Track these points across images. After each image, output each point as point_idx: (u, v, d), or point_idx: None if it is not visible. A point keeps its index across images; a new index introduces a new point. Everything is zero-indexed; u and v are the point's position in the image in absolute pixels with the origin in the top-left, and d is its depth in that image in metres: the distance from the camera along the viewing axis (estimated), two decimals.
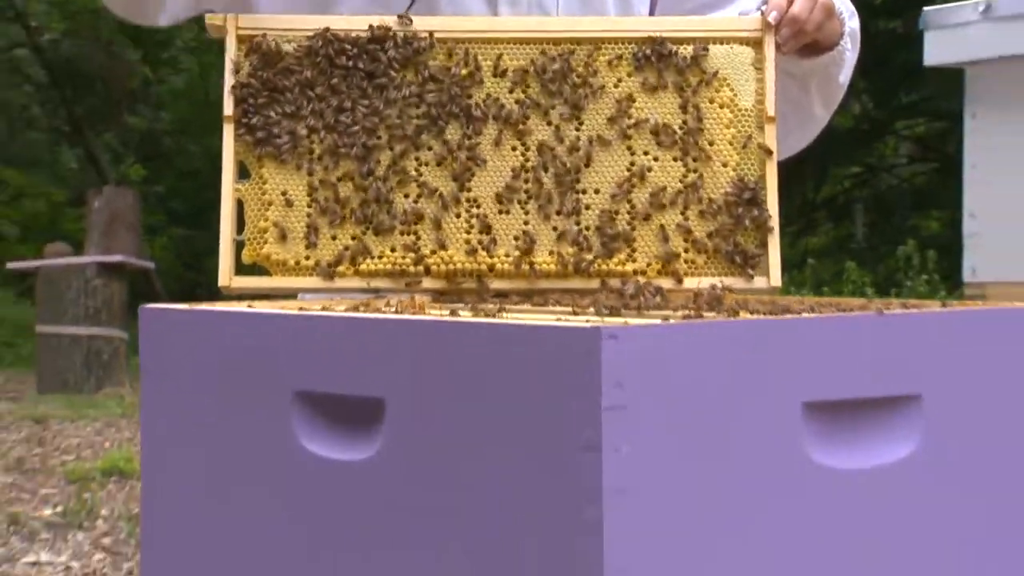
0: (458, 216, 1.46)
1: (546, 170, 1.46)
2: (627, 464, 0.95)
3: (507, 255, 1.45)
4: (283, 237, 1.45)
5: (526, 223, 1.46)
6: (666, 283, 1.43)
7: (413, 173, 1.46)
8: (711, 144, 1.47)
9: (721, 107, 1.48)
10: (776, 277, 1.46)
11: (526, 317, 1.16)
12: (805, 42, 1.54)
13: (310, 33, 1.47)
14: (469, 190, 1.46)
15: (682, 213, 1.47)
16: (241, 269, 1.45)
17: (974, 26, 2.49)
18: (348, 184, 1.45)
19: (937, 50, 2.59)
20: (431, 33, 1.47)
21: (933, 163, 12.07)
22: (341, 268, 1.44)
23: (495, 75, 1.48)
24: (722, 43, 1.50)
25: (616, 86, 1.48)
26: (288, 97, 1.46)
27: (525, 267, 1.45)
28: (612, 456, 0.94)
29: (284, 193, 1.45)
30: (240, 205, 1.45)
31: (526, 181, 1.46)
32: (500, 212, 1.46)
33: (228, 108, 1.46)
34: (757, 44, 1.50)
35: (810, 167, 10.61)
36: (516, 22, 1.54)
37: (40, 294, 9.00)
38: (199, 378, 1.19)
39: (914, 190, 12.21)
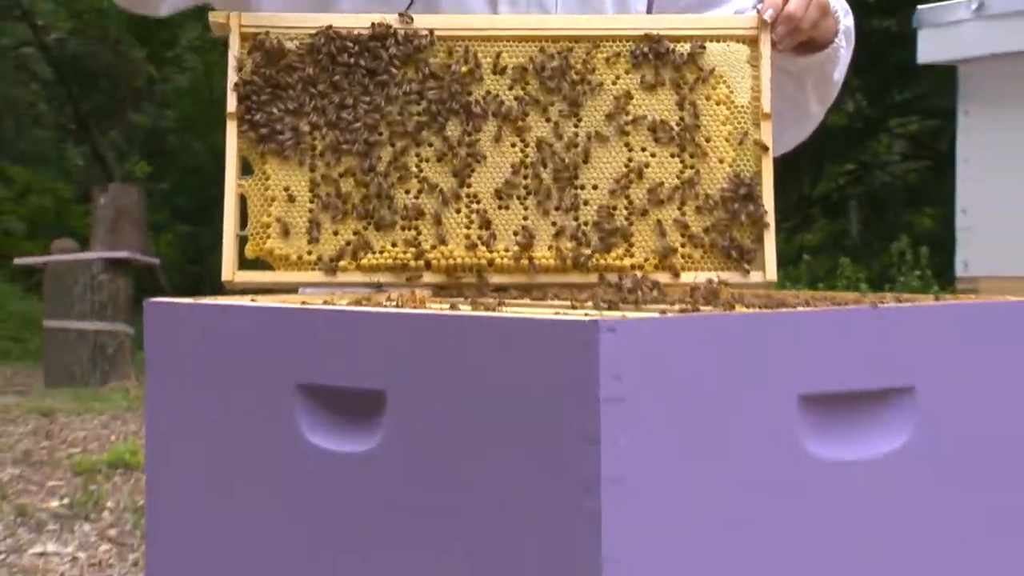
0: (458, 211, 1.45)
1: (545, 166, 1.46)
2: (625, 455, 0.94)
3: (506, 250, 1.45)
4: (286, 232, 1.44)
5: (525, 218, 1.46)
6: (663, 277, 1.43)
7: (414, 169, 1.45)
8: (708, 140, 1.47)
9: (717, 104, 1.48)
10: (772, 272, 1.46)
11: (525, 311, 1.16)
12: (800, 40, 1.54)
13: (312, 31, 1.47)
14: (469, 186, 1.46)
15: (679, 208, 1.46)
16: (244, 264, 1.45)
17: (967, 24, 2.49)
18: (350, 180, 1.45)
19: (930, 48, 2.58)
20: (431, 31, 1.47)
21: (926, 160, 12.07)
22: (343, 263, 1.44)
23: (495, 72, 1.47)
24: (719, 41, 1.49)
25: (614, 83, 1.48)
26: (291, 94, 1.45)
27: (524, 262, 1.45)
28: (610, 447, 0.94)
29: (287, 189, 1.45)
30: (243, 201, 1.45)
31: (525, 177, 1.46)
32: (500, 207, 1.46)
33: (231, 105, 1.46)
34: (753, 42, 1.49)
35: (805, 164, 10.61)
36: (516, 20, 1.54)
37: (47, 289, 9.00)
38: (203, 371, 1.19)
39: (907, 187, 12.22)
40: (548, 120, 1.47)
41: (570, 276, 1.45)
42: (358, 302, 1.28)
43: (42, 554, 4.43)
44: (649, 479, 0.96)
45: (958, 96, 2.55)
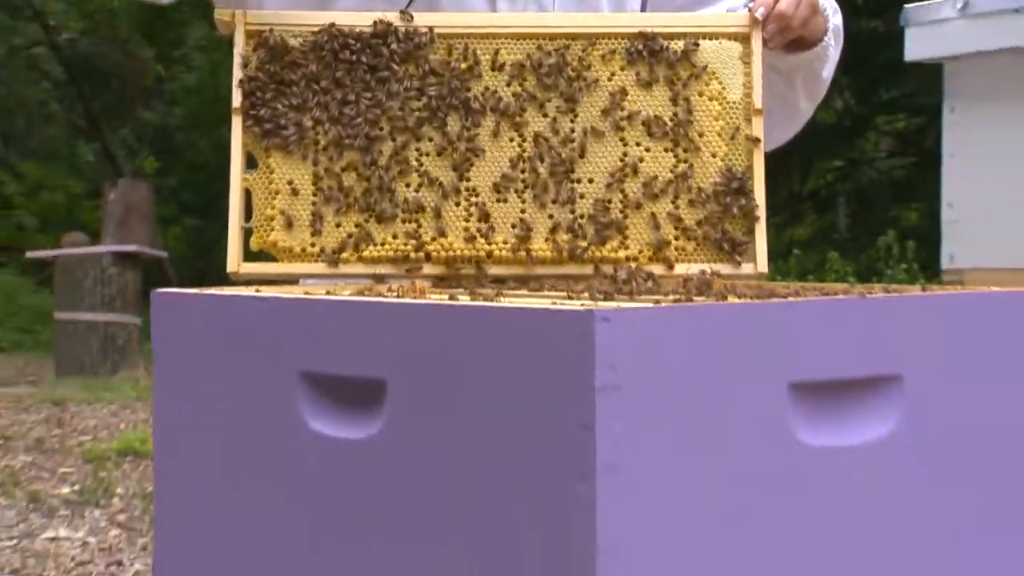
0: (457, 204, 1.45)
1: (542, 160, 1.46)
2: (620, 443, 0.94)
3: (505, 242, 1.45)
4: (289, 225, 1.44)
5: (523, 211, 1.45)
6: (657, 269, 1.42)
7: (414, 163, 1.45)
8: (701, 135, 1.47)
9: (710, 100, 1.48)
10: (763, 263, 1.46)
11: (522, 301, 1.15)
12: (791, 38, 1.53)
13: (316, 28, 1.46)
14: (468, 179, 1.45)
15: (673, 202, 1.46)
16: (249, 256, 1.45)
17: (952, 23, 2.49)
18: (352, 174, 1.45)
19: (917, 46, 2.58)
20: (431, 28, 1.47)
21: (912, 157, 12.07)
22: (345, 254, 1.44)
23: (493, 69, 1.47)
24: (711, 39, 1.49)
25: (609, 80, 1.47)
26: (294, 90, 1.45)
27: (522, 254, 1.44)
28: (605, 435, 0.93)
29: (290, 182, 1.44)
30: (248, 194, 1.45)
31: (523, 171, 1.46)
32: (498, 201, 1.45)
33: (236, 100, 1.45)
34: (745, 39, 1.49)
35: (795, 161, 10.61)
36: (514, 18, 1.53)
37: (58, 282, 9.00)
38: (208, 359, 1.19)
39: (894, 183, 12.21)
40: (545, 116, 1.46)
41: (566, 268, 1.44)
42: (360, 293, 1.27)
43: (54, 539, 4.43)
44: (643, 466, 0.95)
45: (944, 93, 2.55)
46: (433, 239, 1.44)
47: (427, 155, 1.45)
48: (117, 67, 14.66)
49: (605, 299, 1.16)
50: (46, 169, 14.67)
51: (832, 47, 1.63)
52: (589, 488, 0.93)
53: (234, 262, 1.43)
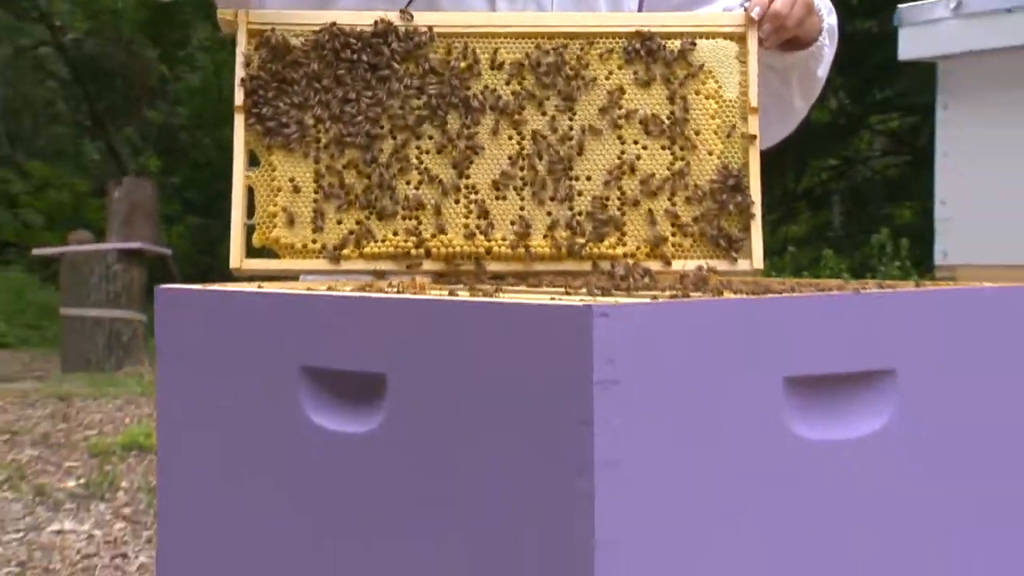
0: (457, 202, 1.45)
1: (541, 158, 1.45)
2: (618, 437, 0.94)
3: (504, 239, 1.44)
4: (291, 221, 1.44)
5: (522, 208, 1.45)
6: (654, 265, 1.42)
7: (414, 161, 1.45)
8: (697, 133, 1.46)
9: (707, 98, 1.47)
10: (758, 260, 1.45)
11: (521, 297, 1.15)
12: (786, 37, 1.53)
13: (317, 28, 1.46)
14: (468, 177, 1.45)
15: (670, 199, 1.46)
16: (251, 252, 1.45)
17: (946, 22, 2.48)
18: (353, 171, 1.44)
19: (911, 45, 2.58)
20: (431, 28, 1.46)
21: (905, 156, 12.06)
22: (346, 251, 1.43)
23: (492, 68, 1.46)
24: (708, 38, 1.49)
25: (607, 78, 1.47)
26: (296, 88, 1.45)
27: (521, 250, 1.44)
28: (604, 429, 0.93)
29: (292, 180, 1.44)
30: (250, 191, 1.45)
31: (522, 168, 1.45)
32: (497, 198, 1.45)
33: (239, 99, 1.45)
34: (741, 39, 1.49)
35: (790, 159, 10.60)
36: (513, 17, 1.53)
37: (64, 279, 8.99)
38: (211, 354, 1.19)
39: (887, 181, 12.20)
40: (544, 114, 1.46)
41: (565, 264, 1.44)
42: (361, 288, 1.27)
43: (59, 531, 4.43)
44: (641, 460, 0.95)
45: (937, 92, 2.54)
46: (433, 236, 1.44)
47: (427, 153, 1.45)
48: (122, 67, 14.65)
49: (603, 295, 1.16)
50: (52, 168, 14.66)
51: (827, 46, 1.63)
52: (588, 482, 0.93)
53: (237, 258, 1.43)
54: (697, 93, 1.47)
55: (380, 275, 1.43)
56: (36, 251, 10.01)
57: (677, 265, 1.44)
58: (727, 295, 1.13)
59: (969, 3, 2.44)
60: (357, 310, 1.09)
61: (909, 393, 1.08)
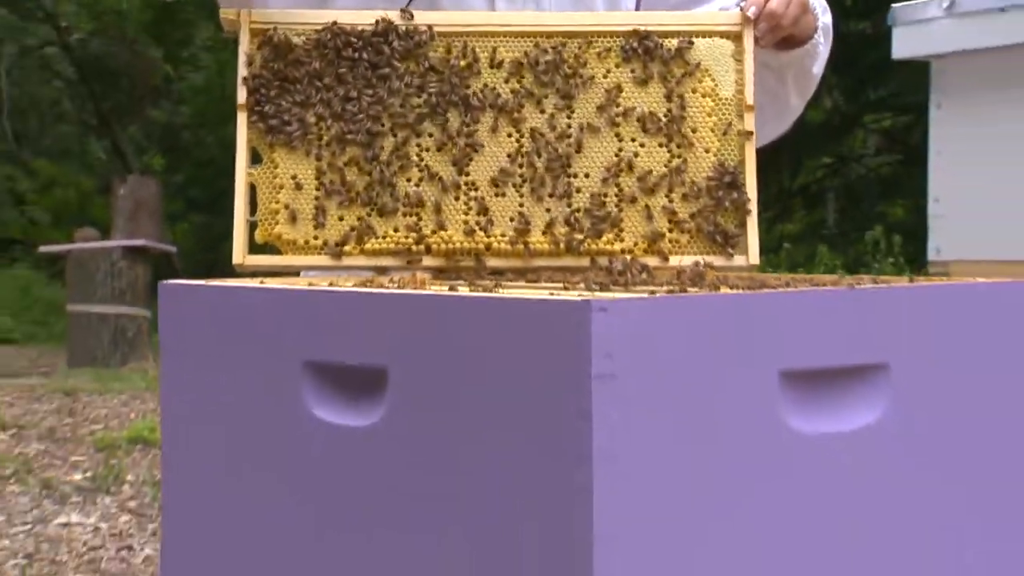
0: (457, 198, 1.44)
1: (539, 155, 1.45)
2: (616, 430, 0.94)
3: (503, 235, 1.44)
4: (293, 218, 1.43)
5: (521, 205, 1.45)
6: (652, 261, 1.42)
7: (415, 158, 1.44)
8: (694, 131, 1.46)
9: (703, 96, 1.47)
10: (754, 255, 1.45)
11: (521, 292, 1.15)
12: (782, 36, 1.53)
13: (319, 27, 1.46)
14: (467, 174, 1.45)
15: (667, 196, 1.46)
16: (254, 248, 1.44)
17: (939, 22, 2.48)
18: (354, 168, 1.44)
19: (904, 45, 2.57)
20: (430, 27, 1.46)
21: (898, 154, 12.05)
22: (347, 247, 1.43)
23: (492, 66, 1.46)
24: (704, 36, 1.48)
25: (605, 77, 1.47)
26: (298, 87, 1.44)
27: (520, 246, 1.44)
28: (602, 422, 0.93)
29: (294, 177, 1.44)
30: (253, 188, 1.44)
31: (521, 166, 1.45)
32: (496, 195, 1.45)
33: (242, 97, 1.45)
34: (737, 37, 1.48)
35: (785, 158, 10.60)
36: (512, 17, 1.52)
37: (70, 276, 8.99)
38: (214, 348, 1.18)
39: (881, 179, 12.20)
40: (542, 112, 1.46)
41: (563, 260, 1.44)
42: (362, 284, 1.27)
43: (66, 524, 4.43)
44: (639, 453, 0.95)
45: (931, 90, 2.54)
46: (433, 232, 1.43)
47: (427, 150, 1.45)
48: (126, 67, 14.64)
49: (601, 290, 1.16)
50: (58, 166, 14.66)
51: (822, 45, 1.62)
52: (586, 475, 0.92)
53: (239, 254, 1.43)
54: (694, 91, 1.47)
55: (382, 271, 1.43)
56: (42, 248, 10.00)
57: (674, 261, 1.43)
58: (723, 290, 1.13)
59: (962, 2, 2.44)
60: (359, 305, 1.09)
61: (903, 387, 1.08)
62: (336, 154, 1.44)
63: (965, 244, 2.48)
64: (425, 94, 1.45)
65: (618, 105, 1.46)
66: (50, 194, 14.50)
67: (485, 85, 1.46)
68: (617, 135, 1.46)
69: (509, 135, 1.45)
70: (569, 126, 1.46)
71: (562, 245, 1.44)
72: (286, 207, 1.43)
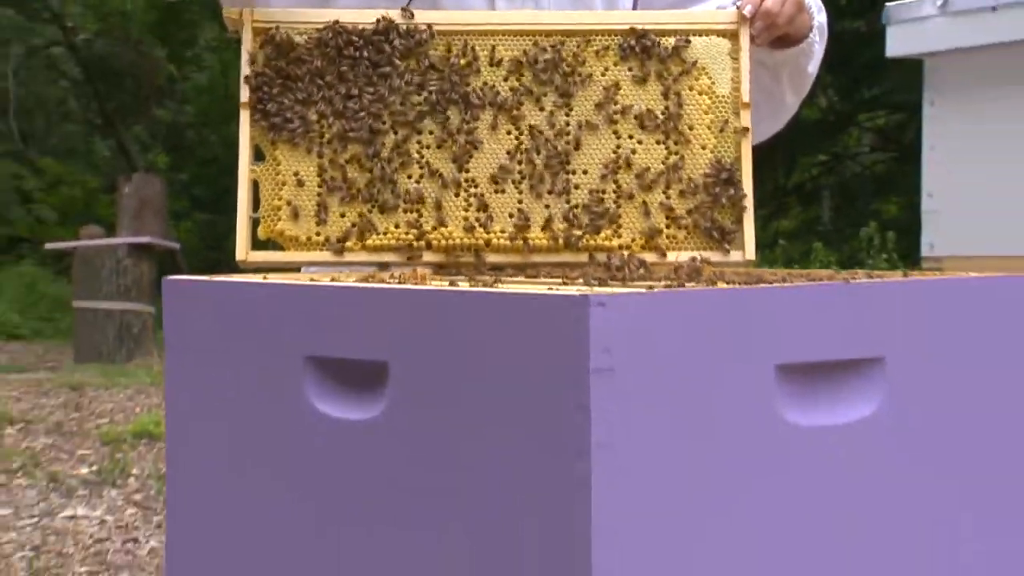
0: (457, 195, 1.44)
1: (538, 153, 1.45)
2: (614, 422, 0.93)
3: (502, 231, 1.44)
4: (295, 215, 1.43)
5: (520, 201, 1.44)
6: (649, 257, 1.42)
7: (415, 155, 1.44)
8: (691, 128, 1.46)
9: (700, 94, 1.47)
10: (750, 251, 1.45)
11: (520, 287, 1.14)
12: (777, 34, 1.53)
13: (320, 26, 1.45)
14: (467, 171, 1.44)
15: (664, 192, 1.45)
16: (257, 244, 1.44)
17: (932, 20, 2.48)
18: (355, 165, 1.44)
19: (898, 43, 2.57)
20: (430, 26, 1.46)
21: (892, 152, 12.05)
22: (349, 243, 1.43)
23: (491, 65, 1.46)
24: (701, 35, 1.48)
25: (603, 75, 1.47)
26: (300, 85, 1.44)
27: (519, 242, 1.43)
28: (600, 415, 0.93)
29: (296, 174, 1.43)
30: (256, 185, 1.44)
31: (520, 163, 1.45)
32: (496, 191, 1.44)
33: (244, 95, 1.44)
34: (733, 36, 1.48)
35: (780, 156, 10.60)
36: (511, 16, 1.52)
37: (76, 272, 8.98)
38: (217, 343, 1.18)
39: (875, 177, 12.20)
40: (541, 109, 1.46)
41: (562, 256, 1.44)
42: (363, 279, 1.27)
43: (72, 517, 4.43)
44: (637, 445, 0.95)
45: (924, 88, 2.54)
46: (434, 228, 1.43)
47: (428, 147, 1.44)
48: (131, 67, 14.63)
49: (599, 285, 1.15)
50: (64, 165, 14.64)
51: (817, 43, 1.62)
52: (585, 465, 0.92)
53: (242, 250, 1.42)
54: (691, 89, 1.47)
55: (383, 267, 1.43)
56: (49, 245, 10.00)
57: (671, 256, 1.43)
58: (720, 285, 1.12)
59: (955, 1, 2.44)
60: (360, 300, 1.09)
61: (897, 380, 1.07)
62: (338, 151, 1.43)
63: (958, 239, 2.48)
64: (425, 92, 1.44)
65: (616, 103, 1.46)
66: (56, 192, 14.49)
67: (485, 83, 1.45)
68: (615, 132, 1.46)
69: (508, 132, 1.45)
70: (568, 123, 1.45)
71: (561, 241, 1.43)
72: (288, 204, 1.43)
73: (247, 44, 1.45)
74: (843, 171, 12.68)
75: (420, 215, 1.43)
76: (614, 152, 1.45)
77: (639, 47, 1.46)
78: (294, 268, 1.45)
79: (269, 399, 1.14)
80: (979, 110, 2.46)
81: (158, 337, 8.41)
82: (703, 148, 1.46)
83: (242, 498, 1.17)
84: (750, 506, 1.00)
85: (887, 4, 2.61)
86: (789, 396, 1.02)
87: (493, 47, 1.46)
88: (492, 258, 1.43)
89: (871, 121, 12.32)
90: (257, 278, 1.23)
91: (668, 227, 1.45)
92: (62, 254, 10.24)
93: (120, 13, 13.99)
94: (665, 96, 1.46)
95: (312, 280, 1.20)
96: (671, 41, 1.47)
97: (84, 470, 5.10)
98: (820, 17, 1.62)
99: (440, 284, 1.19)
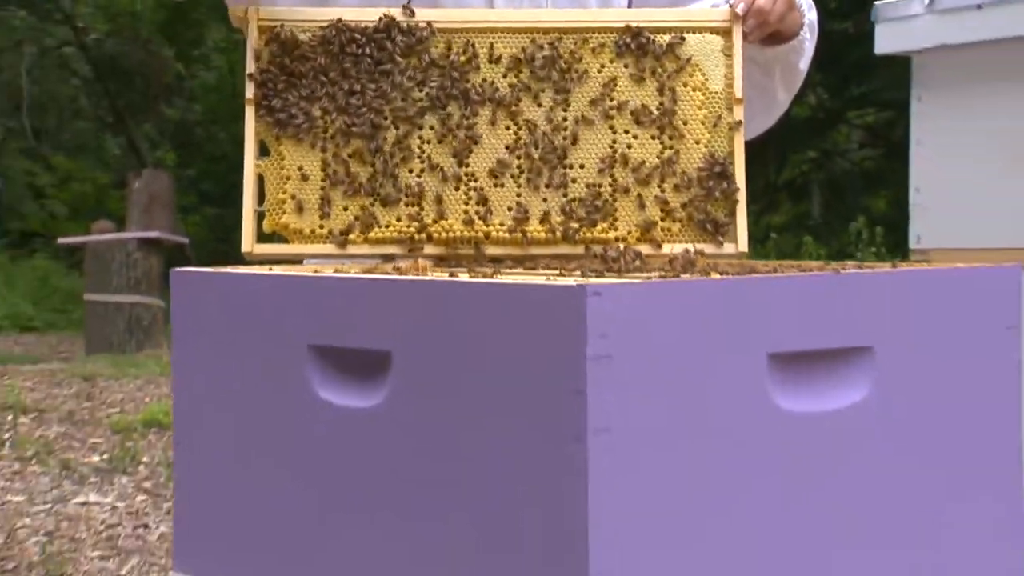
0: (457, 189, 1.44)
1: (536, 147, 1.44)
2: (610, 408, 0.93)
3: (502, 224, 1.43)
4: (300, 208, 1.43)
5: (519, 195, 1.44)
6: (645, 249, 1.41)
7: (416, 150, 1.44)
8: (685, 123, 1.46)
9: (694, 90, 1.46)
10: (743, 243, 1.45)
11: (519, 278, 1.14)
12: (769, 32, 1.52)
13: (324, 23, 1.45)
14: (467, 165, 1.44)
15: (659, 186, 1.45)
16: (262, 237, 1.44)
17: (920, 18, 2.47)
18: (358, 160, 1.43)
19: (886, 41, 2.57)
20: (431, 23, 1.45)
21: (881, 149, 12.05)
22: (352, 236, 1.43)
23: (490, 62, 1.45)
24: (695, 33, 1.48)
25: (599, 71, 1.46)
26: (304, 82, 1.44)
27: (518, 235, 1.43)
28: (597, 400, 0.93)
29: (300, 168, 1.43)
30: (261, 179, 1.44)
31: (518, 157, 1.44)
32: (495, 185, 1.44)
33: (250, 92, 1.44)
34: (726, 33, 1.48)
35: (771, 152, 10.59)
36: (510, 14, 1.52)
37: (88, 266, 8.98)
38: (224, 333, 1.18)
39: (864, 173, 12.19)
40: (539, 105, 1.45)
41: (560, 248, 1.43)
42: (366, 271, 1.26)
43: (85, 503, 4.43)
44: (632, 429, 0.95)
45: (912, 84, 2.54)
46: (434, 221, 1.43)
47: (428, 142, 1.44)
48: (140, 66, 14.61)
49: (596, 276, 1.15)
50: (76, 161, 14.63)
51: (807, 40, 1.62)
52: (581, 450, 0.92)
53: (248, 243, 1.42)
54: (685, 85, 1.46)
55: (389, 259, 1.42)
56: (61, 240, 10.00)
57: (666, 248, 1.43)
58: (714, 276, 1.12)
59: (942, 0, 2.43)
60: (363, 291, 1.09)
61: (886, 368, 1.07)
62: (341, 146, 1.43)
63: (945, 232, 2.48)
64: (426, 88, 1.44)
65: (612, 99, 1.45)
66: (68, 188, 14.47)
67: (484, 79, 1.45)
68: (611, 127, 1.45)
69: (507, 128, 1.45)
70: (565, 119, 1.45)
71: (558, 233, 1.43)
72: (293, 197, 1.43)
73: (252, 41, 1.45)
74: (833, 167, 12.67)
75: (421, 208, 1.43)
76: (610, 147, 1.45)
77: (634, 44, 1.46)
78: (298, 260, 1.44)
79: (274, 387, 1.14)
80: (965, 106, 2.46)
81: (167, 329, 8.40)
82: (697, 143, 1.46)
83: (247, 483, 1.16)
84: (743, 489, 1.00)
85: (876, 3, 2.60)
86: (781, 383, 1.02)
87: (492, 44, 1.45)
88: (491, 250, 1.43)
89: (860, 118, 12.31)
90: (262, 269, 1.23)
91: (663, 220, 1.45)
92: (74, 248, 10.23)
93: (130, 14, 13.97)
94: (660, 92, 1.46)
95: (316, 271, 1.20)
96: (666, 38, 1.47)
97: (96, 458, 5.10)
98: (811, 15, 1.62)
99: (441, 275, 1.19)
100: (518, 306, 0.97)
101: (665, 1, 1.64)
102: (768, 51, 1.59)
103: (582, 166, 1.45)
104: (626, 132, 1.45)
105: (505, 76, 1.45)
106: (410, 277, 1.11)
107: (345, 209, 1.43)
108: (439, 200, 1.43)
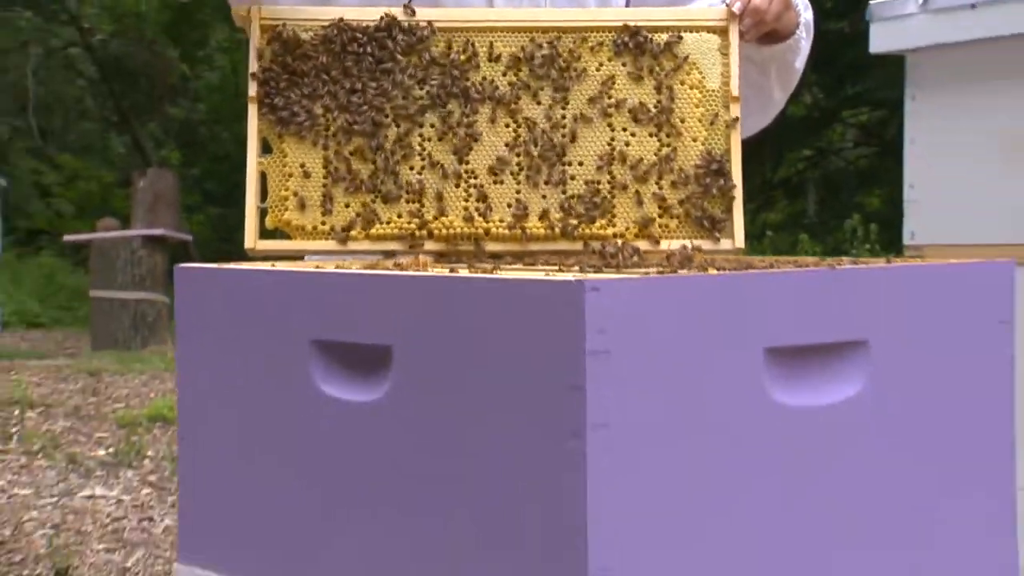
0: (457, 186, 1.43)
1: (535, 145, 1.44)
2: (608, 402, 0.93)
3: (501, 220, 1.43)
4: (302, 205, 1.42)
5: (518, 192, 1.44)
6: (643, 245, 1.41)
7: (417, 147, 1.43)
8: (682, 121, 1.45)
9: (691, 88, 1.46)
10: (740, 239, 1.44)
11: (518, 274, 1.14)
12: (765, 31, 1.52)
13: (325, 23, 1.44)
14: (467, 163, 1.44)
15: (657, 183, 1.45)
16: (265, 234, 1.43)
17: (914, 18, 2.47)
18: (359, 157, 1.43)
19: (881, 40, 2.56)
20: (431, 23, 1.45)
21: (875, 147, 12.04)
22: (353, 232, 1.42)
23: (490, 60, 1.45)
24: (692, 31, 1.47)
25: (598, 70, 1.46)
26: (306, 80, 1.43)
27: (517, 231, 1.43)
28: (595, 395, 0.92)
29: (302, 166, 1.43)
30: (263, 177, 1.43)
31: (518, 155, 1.44)
32: (495, 182, 1.44)
33: (252, 90, 1.43)
34: (723, 32, 1.47)
35: (767, 151, 10.59)
36: (509, 13, 1.51)
37: (93, 263, 8.98)
38: (227, 328, 1.18)
39: (858, 171, 12.20)
40: (538, 103, 1.45)
41: (559, 244, 1.43)
42: (367, 267, 1.26)
43: (91, 497, 4.43)
44: (631, 424, 0.94)
45: (906, 83, 2.53)
46: (435, 218, 1.43)
47: (429, 140, 1.44)
48: (145, 66, 14.61)
49: (595, 272, 1.15)
50: (81, 160, 14.63)
51: (803, 40, 1.61)
52: (580, 445, 0.92)
53: (251, 239, 1.42)
54: (682, 83, 1.46)
55: (390, 255, 1.42)
56: (67, 238, 10.00)
57: (664, 244, 1.43)
58: (711, 271, 1.12)
59: None
60: (364, 286, 1.08)
61: (881, 362, 1.07)
62: (342, 144, 1.43)
63: (938, 229, 2.48)
64: (427, 86, 1.44)
65: (610, 97, 1.45)
66: (74, 187, 14.47)
67: (484, 78, 1.44)
68: (609, 125, 1.45)
69: (507, 125, 1.44)
70: (564, 117, 1.45)
71: (557, 230, 1.43)
72: (295, 194, 1.42)
73: (255, 41, 1.44)
74: (827, 165, 12.67)
75: (422, 205, 1.43)
76: (608, 144, 1.45)
77: (632, 43, 1.46)
78: (300, 256, 1.44)
79: (277, 382, 1.13)
80: (959, 105, 2.45)
81: (172, 325, 8.40)
82: (694, 140, 1.45)
83: (251, 477, 1.16)
84: (740, 482, 0.99)
85: (871, 2, 2.60)
86: (777, 377, 1.02)
87: (492, 43, 1.45)
88: (491, 247, 1.43)
89: (854, 117, 12.31)
90: (265, 265, 1.23)
91: (660, 216, 1.44)
92: (79, 246, 10.23)
93: (135, 14, 13.97)
94: (658, 90, 1.45)
95: (318, 267, 1.19)
96: (663, 37, 1.46)
97: (101, 452, 5.10)
98: (806, 14, 1.62)
99: (441, 271, 1.18)
100: (517, 301, 0.96)
101: (663, 0, 1.64)
102: (765, 50, 1.58)
103: (581, 163, 1.45)
104: (624, 130, 1.45)
105: (505, 74, 1.45)
106: (411, 273, 1.11)
107: (347, 206, 1.43)
108: (439, 197, 1.43)
